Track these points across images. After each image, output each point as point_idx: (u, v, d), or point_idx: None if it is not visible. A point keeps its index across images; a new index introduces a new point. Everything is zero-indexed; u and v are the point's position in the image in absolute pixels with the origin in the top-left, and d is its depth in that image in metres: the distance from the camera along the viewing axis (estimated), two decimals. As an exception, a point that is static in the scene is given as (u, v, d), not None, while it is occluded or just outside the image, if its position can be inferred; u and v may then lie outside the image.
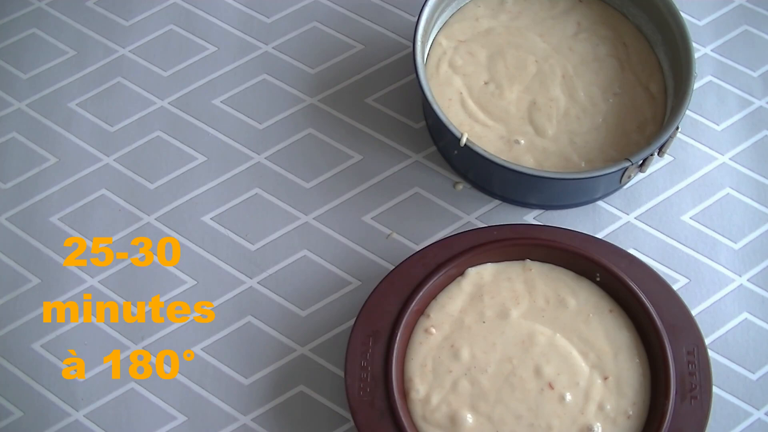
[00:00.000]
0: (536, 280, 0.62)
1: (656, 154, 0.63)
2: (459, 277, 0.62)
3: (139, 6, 0.77)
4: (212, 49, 0.75)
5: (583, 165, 0.65)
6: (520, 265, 0.62)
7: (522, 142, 0.66)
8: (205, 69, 0.74)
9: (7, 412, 0.63)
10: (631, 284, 0.60)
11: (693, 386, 0.58)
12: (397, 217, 0.68)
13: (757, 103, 0.72)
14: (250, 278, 0.67)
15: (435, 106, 0.63)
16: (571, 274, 0.62)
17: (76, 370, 0.64)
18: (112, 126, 0.72)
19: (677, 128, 0.62)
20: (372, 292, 0.61)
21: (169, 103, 0.73)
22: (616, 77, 0.68)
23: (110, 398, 0.63)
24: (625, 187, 0.69)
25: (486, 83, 0.68)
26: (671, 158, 0.70)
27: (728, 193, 0.69)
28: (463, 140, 0.62)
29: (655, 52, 0.69)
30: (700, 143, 0.71)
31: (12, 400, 0.63)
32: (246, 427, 0.62)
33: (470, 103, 0.67)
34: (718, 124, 0.72)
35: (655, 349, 0.59)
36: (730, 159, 0.70)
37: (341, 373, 0.63)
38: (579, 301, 0.61)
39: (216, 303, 0.66)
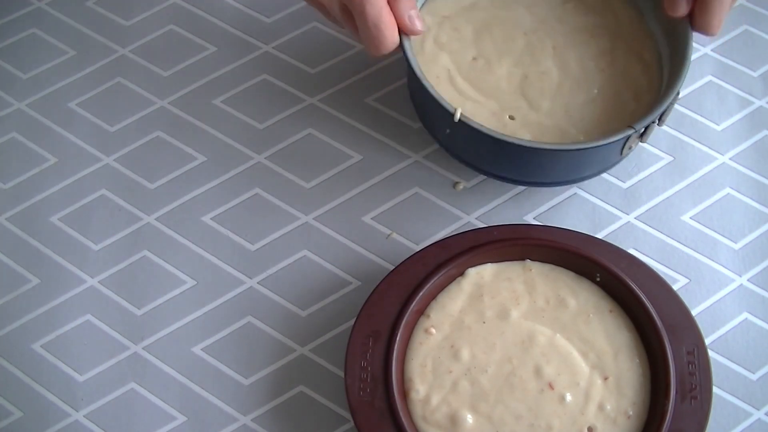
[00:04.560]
0: (536, 280, 0.62)
1: (656, 123, 0.62)
2: (459, 277, 0.62)
3: (139, 6, 0.77)
4: (212, 49, 0.75)
5: (582, 138, 0.63)
6: (520, 265, 0.62)
7: (516, 117, 0.64)
8: (205, 69, 0.74)
9: (7, 412, 0.63)
10: (631, 284, 0.60)
11: (693, 386, 0.58)
12: (397, 217, 0.68)
13: (757, 103, 0.72)
14: (250, 278, 0.67)
15: (425, 83, 0.61)
16: (571, 274, 0.62)
17: (76, 370, 0.64)
18: (111, 126, 0.72)
19: (677, 94, 0.61)
20: (372, 292, 0.61)
21: (169, 103, 0.73)
22: (608, 47, 0.67)
23: (110, 398, 0.63)
24: (625, 187, 0.69)
25: (474, 59, 0.67)
26: (671, 158, 0.70)
27: (728, 193, 0.69)
28: (457, 115, 0.60)
29: (645, 20, 0.68)
30: (700, 143, 0.71)
31: (12, 400, 0.63)
32: (246, 427, 0.62)
33: (459, 80, 0.66)
34: (718, 124, 0.72)
35: (655, 349, 0.59)
36: (730, 159, 0.70)
37: (341, 373, 0.63)
38: (579, 301, 0.61)
39: (216, 303, 0.66)
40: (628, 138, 0.60)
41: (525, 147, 0.59)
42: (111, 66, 0.74)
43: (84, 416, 0.63)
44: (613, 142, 0.60)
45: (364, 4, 0.57)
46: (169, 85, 0.73)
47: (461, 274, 0.62)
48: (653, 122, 0.61)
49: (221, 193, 0.69)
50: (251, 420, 0.63)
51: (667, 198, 0.69)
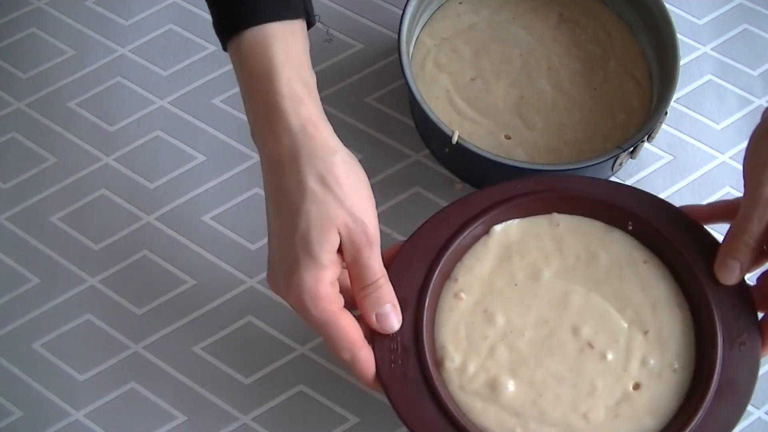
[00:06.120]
0: (565, 236, 0.58)
1: (645, 140, 0.63)
2: (485, 236, 0.58)
3: (139, 5, 0.77)
4: (212, 48, 0.75)
5: (574, 156, 0.65)
6: (546, 219, 0.59)
7: (512, 137, 0.66)
8: (205, 69, 0.74)
9: (6, 412, 0.63)
10: (667, 233, 0.56)
11: (740, 332, 0.53)
12: (398, 217, 0.68)
13: (757, 102, 0.72)
14: (250, 278, 0.67)
15: (424, 106, 0.63)
16: (600, 225, 0.58)
17: (76, 370, 0.64)
18: (111, 126, 0.72)
19: (666, 113, 0.63)
20: (394, 258, 0.56)
21: (168, 102, 0.73)
22: (601, 66, 0.69)
23: (110, 398, 0.63)
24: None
25: (472, 79, 0.68)
26: (672, 157, 0.70)
27: (728, 193, 0.69)
28: (455, 138, 0.62)
29: (637, 39, 0.70)
30: (700, 142, 0.71)
31: (12, 400, 0.63)
32: (246, 426, 0.62)
33: (458, 100, 0.67)
34: (718, 124, 0.72)
35: (697, 297, 0.55)
36: (729, 158, 0.70)
37: (341, 373, 0.63)
38: (610, 254, 0.57)
39: (216, 303, 0.66)
40: (617, 156, 0.62)
41: (519, 168, 0.62)
42: (110, 65, 0.74)
43: (84, 416, 0.63)
44: (603, 161, 0.62)
45: (321, 327, 0.51)
46: (169, 84, 0.73)
47: (486, 232, 0.58)
48: (642, 141, 0.63)
49: (221, 193, 0.69)
50: (251, 419, 0.63)
51: (668, 197, 0.69)
